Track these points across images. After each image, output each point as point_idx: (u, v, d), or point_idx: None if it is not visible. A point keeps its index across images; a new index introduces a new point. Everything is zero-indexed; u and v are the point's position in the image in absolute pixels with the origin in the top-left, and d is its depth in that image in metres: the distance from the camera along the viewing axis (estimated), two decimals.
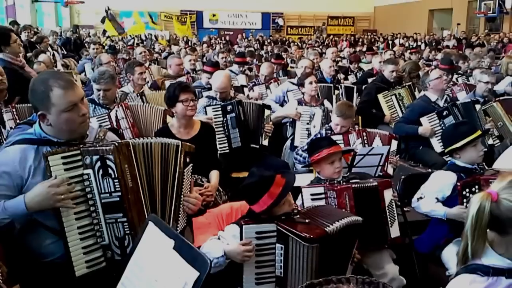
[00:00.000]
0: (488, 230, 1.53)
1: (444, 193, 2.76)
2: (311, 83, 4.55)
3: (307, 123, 4.39)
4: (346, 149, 3.04)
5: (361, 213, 2.44)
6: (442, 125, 4.37)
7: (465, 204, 2.64)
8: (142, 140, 2.23)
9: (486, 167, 2.93)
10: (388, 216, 2.63)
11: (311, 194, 2.62)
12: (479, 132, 2.87)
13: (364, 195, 2.59)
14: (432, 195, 2.78)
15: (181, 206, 2.33)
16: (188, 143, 2.37)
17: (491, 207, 1.50)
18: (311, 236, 1.96)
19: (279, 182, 2.11)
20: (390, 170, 3.65)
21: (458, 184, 2.69)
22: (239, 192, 2.24)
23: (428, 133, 4.39)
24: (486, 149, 3.05)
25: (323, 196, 2.61)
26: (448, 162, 3.06)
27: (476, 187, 2.66)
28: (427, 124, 4.42)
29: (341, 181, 2.68)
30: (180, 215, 2.33)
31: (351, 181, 2.67)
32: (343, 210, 2.51)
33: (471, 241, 1.54)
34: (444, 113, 4.41)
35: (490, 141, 4.57)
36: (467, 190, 2.67)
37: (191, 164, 2.37)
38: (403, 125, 4.63)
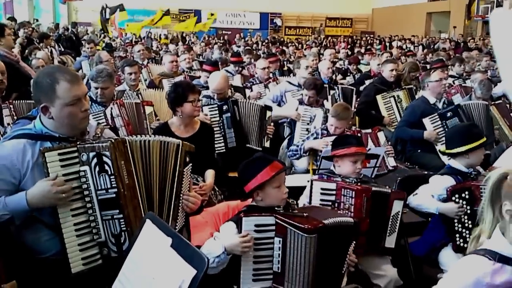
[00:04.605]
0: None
1: (441, 195, 2.74)
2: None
3: (307, 124, 4.35)
4: (371, 153, 3.01)
5: (370, 214, 2.53)
6: (445, 126, 4.35)
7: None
8: (140, 138, 2.23)
9: (482, 171, 2.92)
10: (390, 225, 2.63)
11: (322, 189, 2.61)
12: (484, 138, 2.82)
13: (377, 199, 2.59)
14: (428, 193, 2.78)
15: (180, 205, 2.33)
16: (188, 143, 2.37)
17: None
18: (310, 227, 1.99)
19: (277, 164, 2.19)
20: (392, 162, 3.67)
21: (448, 189, 2.68)
22: (238, 169, 2.25)
23: (433, 138, 4.35)
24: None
25: (334, 192, 2.58)
26: (446, 165, 3.01)
27: (467, 192, 2.65)
28: (430, 126, 4.40)
29: (353, 181, 2.63)
30: (179, 214, 2.33)
31: (369, 183, 2.66)
32: (358, 209, 2.52)
33: (485, 217, 1.62)
34: (448, 115, 4.40)
35: None
36: (457, 196, 2.66)
37: (191, 164, 2.37)
38: (406, 129, 4.59)
